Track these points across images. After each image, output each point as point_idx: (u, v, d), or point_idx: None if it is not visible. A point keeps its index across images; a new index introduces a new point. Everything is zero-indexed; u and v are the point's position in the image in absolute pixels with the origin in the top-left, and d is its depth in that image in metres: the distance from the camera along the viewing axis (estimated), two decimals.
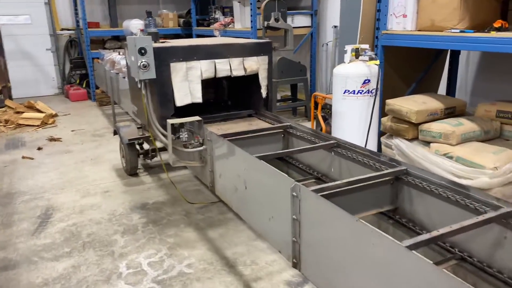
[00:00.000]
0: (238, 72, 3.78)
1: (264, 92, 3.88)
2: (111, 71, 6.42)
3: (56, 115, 8.40)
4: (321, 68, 8.13)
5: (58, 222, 4.08)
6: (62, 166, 5.64)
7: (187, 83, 3.60)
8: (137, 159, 5.10)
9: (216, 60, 3.68)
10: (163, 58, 3.51)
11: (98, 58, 8.30)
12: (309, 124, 6.93)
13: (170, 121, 3.26)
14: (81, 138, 6.96)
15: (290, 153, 2.90)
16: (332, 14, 7.79)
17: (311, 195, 2.09)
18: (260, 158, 2.61)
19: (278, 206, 2.37)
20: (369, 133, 4.16)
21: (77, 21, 10.03)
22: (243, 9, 7.70)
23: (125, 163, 5.19)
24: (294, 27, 7.42)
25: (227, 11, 9.13)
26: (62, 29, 10.59)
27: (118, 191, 4.77)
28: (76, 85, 10.48)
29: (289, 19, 7.51)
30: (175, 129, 3.38)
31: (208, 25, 9.25)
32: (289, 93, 8.06)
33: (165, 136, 3.52)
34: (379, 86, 4.21)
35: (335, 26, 7.67)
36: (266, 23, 7.06)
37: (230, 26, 8.16)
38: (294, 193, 2.18)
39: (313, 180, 3.32)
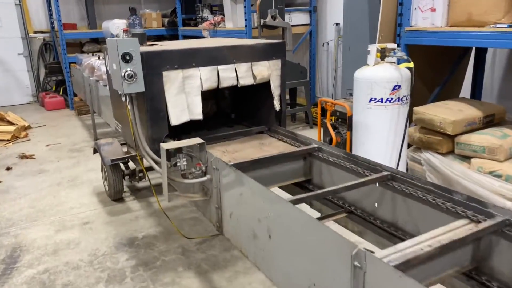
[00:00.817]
0: (246, 80, 3.07)
1: (277, 104, 3.19)
2: (90, 78, 5.64)
3: (29, 127, 7.56)
4: (321, 69, 7.49)
5: (26, 268, 3.31)
6: (34, 190, 4.84)
7: (184, 96, 2.88)
8: (122, 181, 4.34)
9: (220, 67, 2.97)
10: (154, 66, 2.79)
11: (75, 63, 7.47)
12: (312, 132, 6.26)
13: (164, 146, 2.53)
14: (57, 154, 6.16)
15: (335, 192, 2.19)
16: (333, 10, 7.19)
17: (386, 269, 1.39)
18: (295, 202, 1.90)
19: (326, 273, 1.67)
20: (402, 149, 3.49)
21: (52, 23, 9.17)
22: (234, 7, 6.98)
23: (108, 187, 4.42)
24: (291, 25, 6.75)
25: (216, 9, 8.41)
26: (36, 32, 9.71)
27: (100, 222, 4.01)
28: (52, 92, 9.62)
29: (286, 17, 6.83)
30: (171, 154, 2.65)
31: (196, 25, 8.51)
32: (287, 97, 7.36)
33: (157, 163, 2.79)
34: (410, 93, 3.54)
35: (337, 24, 7.08)
36: (262, 21, 6.36)
37: (220, 25, 7.44)
38: (357, 263, 1.49)
39: (345, 214, 2.63)
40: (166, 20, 9.36)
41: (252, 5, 6.41)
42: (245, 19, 6.42)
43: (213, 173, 2.55)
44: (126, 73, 2.61)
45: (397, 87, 3.44)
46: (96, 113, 5.80)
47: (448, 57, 4.57)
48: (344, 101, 5.09)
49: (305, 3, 7.41)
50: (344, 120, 4.96)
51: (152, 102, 2.85)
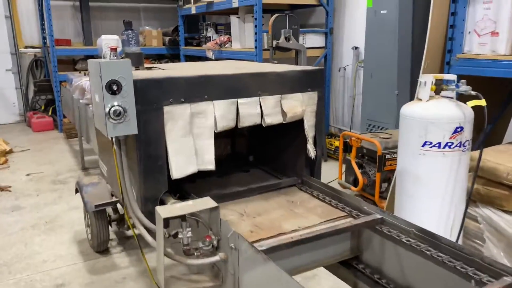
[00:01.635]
0: (273, 118, 2.35)
1: (312, 149, 2.44)
2: (80, 100, 4.86)
3: (10, 152, 6.76)
4: (336, 96, 6.78)
5: None
6: (2, 235, 4.03)
7: (192, 140, 2.15)
8: (108, 230, 3.55)
9: (240, 100, 2.24)
10: (152, 99, 2.05)
11: (66, 81, 6.72)
12: (327, 166, 5.48)
13: (161, 212, 1.77)
14: (37, 186, 5.36)
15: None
16: (351, 33, 6.54)
17: None
18: None
19: None
20: (467, 209, 2.73)
21: (44, 38, 8.47)
22: (242, 26, 6.31)
23: (90, 236, 3.62)
24: (306, 48, 6.08)
25: (222, 28, 7.75)
26: (26, 47, 9.00)
27: (77, 284, 3.20)
28: (40, 112, 8.85)
29: (300, 38, 6.16)
30: (169, 221, 1.88)
31: (199, 44, 7.84)
32: None
33: (151, 231, 2.01)
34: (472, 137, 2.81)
35: (356, 47, 6.41)
36: (275, 42, 5.67)
37: (227, 45, 6.75)
38: None
39: None
40: (167, 38, 8.68)
41: (263, 24, 5.74)
42: (255, 40, 5.74)
43: (230, 253, 1.77)
44: (112, 110, 1.86)
45: (459, 130, 2.71)
46: (84, 139, 5.03)
47: (499, 89, 3.86)
48: (371, 136, 4.37)
49: (321, 24, 6.78)
50: (372, 159, 4.16)
51: (147, 147, 2.09)
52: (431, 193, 2.91)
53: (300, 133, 2.50)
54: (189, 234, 1.97)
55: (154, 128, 2.08)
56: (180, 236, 1.97)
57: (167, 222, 1.86)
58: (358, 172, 4.28)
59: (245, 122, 2.29)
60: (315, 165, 2.61)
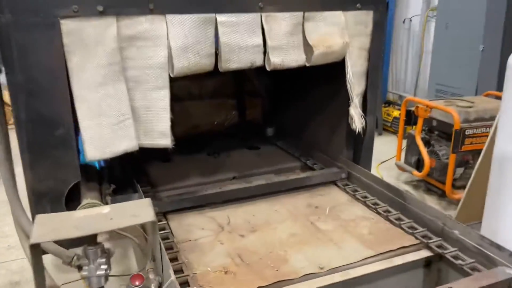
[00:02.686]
0: (286, 56, 1.29)
1: (357, 118, 1.36)
2: None
3: None
4: (398, 55, 5.76)
5: None
6: None
7: (123, 90, 1.10)
8: None
9: (221, 17, 1.15)
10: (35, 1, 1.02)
11: None
12: (380, 142, 4.36)
13: (36, 229, 0.79)
14: None
15: None
16: None
17: None
18: None
19: None
20: None
21: None
22: None
23: None
24: None
25: None
26: None
27: None
28: None
29: None
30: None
31: None
32: None
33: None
34: None
35: None
36: None
37: None
38: None
39: None
40: None
41: None
42: None
43: None
44: None
45: None
46: None
47: None
48: (445, 104, 3.28)
49: None
50: (444, 135, 3.22)
51: (31, 102, 1.09)
52: None
53: (339, 88, 1.40)
54: (104, 268, 1.01)
55: (44, 62, 1.07)
56: (84, 271, 1.02)
57: (37, 249, 0.90)
58: (424, 151, 3.21)
59: (232, 61, 1.21)
60: (362, 144, 1.51)
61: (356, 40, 1.38)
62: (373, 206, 1.42)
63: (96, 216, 1.03)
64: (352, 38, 1.38)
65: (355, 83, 1.40)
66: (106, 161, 1.50)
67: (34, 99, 1.10)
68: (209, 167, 1.75)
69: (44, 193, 1.16)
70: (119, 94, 1.14)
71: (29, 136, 1.11)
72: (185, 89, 1.91)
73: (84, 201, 1.18)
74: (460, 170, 3.03)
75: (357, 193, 1.50)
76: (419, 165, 3.29)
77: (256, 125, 2.21)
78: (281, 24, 1.26)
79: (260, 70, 2.09)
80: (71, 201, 1.23)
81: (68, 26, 1.07)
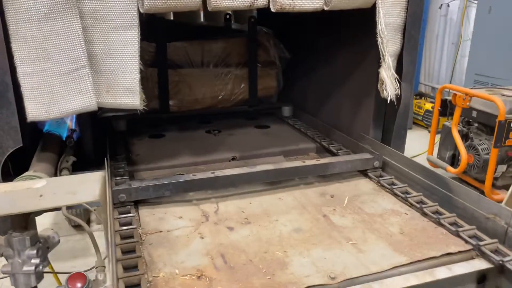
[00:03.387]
0: None
1: (389, 83, 1.04)
2: None
3: None
4: (432, 44, 5.41)
5: None
6: None
7: (77, 29, 0.82)
8: None
9: None
10: None
11: None
12: (412, 136, 4.07)
13: None
14: None
15: None
16: None
17: None
18: None
19: None
20: None
21: None
22: None
23: None
24: None
25: None
26: None
27: None
28: None
29: None
30: None
31: None
32: None
33: None
34: None
35: None
36: None
37: None
38: None
39: None
40: None
41: None
42: None
43: None
44: None
45: None
46: None
47: None
48: (488, 92, 3.00)
49: None
50: (486, 127, 2.97)
51: None
52: None
53: (368, 48, 1.10)
54: (34, 262, 0.74)
55: None
56: (5, 267, 0.74)
57: None
58: (461, 145, 2.91)
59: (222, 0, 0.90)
60: (395, 120, 1.18)
61: None
62: (404, 198, 1.09)
63: (24, 191, 0.76)
64: None
65: (389, 38, 1.07)
66: (75, 130, 1.23)
67: None
68: (206, 146, 1.47)
69: None
70: (71, 32, 0.86)
71: None
72: (183, 53, 1.63)
73: (25, 173, 0.90)
74: (502, 168, 2.77)
75: (384, 179, 1.17)
76: (454, 161, 3.04)
77: (269, 103, 1.90)
78: None
79: (277, 36, 1.80)
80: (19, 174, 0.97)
81: None
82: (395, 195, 1.15)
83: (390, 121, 1.31)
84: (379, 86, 1.14)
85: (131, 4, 0.88)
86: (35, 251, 0.77)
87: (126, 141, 1.48)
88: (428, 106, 4.55)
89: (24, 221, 0.79)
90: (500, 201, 2.48)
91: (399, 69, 1.21)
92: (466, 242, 0.92)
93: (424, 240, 0.92)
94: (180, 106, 1.67)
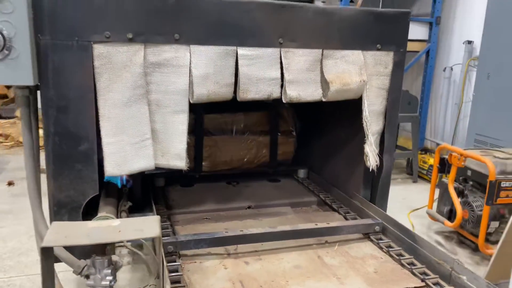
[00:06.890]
0: (302, 90, 1.35)
1: (371, 156, 1.37)
2: None
3: None
4: (437, 103, 5.61)
5: None
6: None
7: (145, 112, 1.20)
8: None
9: (242, 50, 1.22)
10: (71, 26, 1.19)
11: None
12: (415, 189, 4.31)
13: (49, 233, 0.86)
14: None
15: None
16: (464, 25, 5.37)
17: None
18: None
19: None
20: None
21: None
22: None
23: None
24: None
25: None
26: None
27: None
28: None
29: None
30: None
31: None
32: None
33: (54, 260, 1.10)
34: None
35: (469, 42, 5.17)
36: None
37: None
38: None
39: None
40: None
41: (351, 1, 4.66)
42: None
43: None
44: None
45: None
46: None
47: None
48: (481, 153, 3.16)
49: (425, 14, 5.51)
50: (479, 186, 3.08)
51: (60, 117, 1.19)
52: None
53: (359, 126, 1.43)
54: (108, 278, 1.05)
55: (75, 81, 1.16)
56: (90, 280, 1.06)
57: (48, 252, 0.95)
58: (456, 201, 3.08)
59: (249, 92, 1.27)
60: (378, 183, 1.50)
61: (375, 79, 1.41)
62: (386, 251, 1.38)
63: (106, 227, 1.08)
64: (371, 77, 1.40)
65: (372, 122, 1.41)
66: (128, 181, 1.57)
67: (63, 114, 1.19)
68: (227, 195, 1.79)
69: (64, 203, 1.23)
70: (141, 115, 1.22)
71: (55, 149, 1.20)
72: (216, 123, 1.95)
73: (99, 214, 1.24)
74: (495, 224, 2.87)
75: (372, 234, 1.47)
76: (451, 215, 3.14)
77: (286, 165, 2.18)
78: (299, 59, 1.31)
79: (295, 109, 2.11)
80: (90, 214, 1.30)
81: (99, 50, 1.17)
82: (377, 244, 1.44)
83: (376, 184, 1.62)
84: (364, 157, 1.46)
85: (184, 97, 1.24)
86: (110, 271, 1.08)
87: (163, 188, 1.82)
88: (432, 161, 4.73)
89: (104, 249, 1.11)
90: (492, 255, 2.66)
91: (381, 144, 1.53)
92: (415, 275, 1.22)
93: (392, 278, 1.22)
94: (211, 167, 1.96)
